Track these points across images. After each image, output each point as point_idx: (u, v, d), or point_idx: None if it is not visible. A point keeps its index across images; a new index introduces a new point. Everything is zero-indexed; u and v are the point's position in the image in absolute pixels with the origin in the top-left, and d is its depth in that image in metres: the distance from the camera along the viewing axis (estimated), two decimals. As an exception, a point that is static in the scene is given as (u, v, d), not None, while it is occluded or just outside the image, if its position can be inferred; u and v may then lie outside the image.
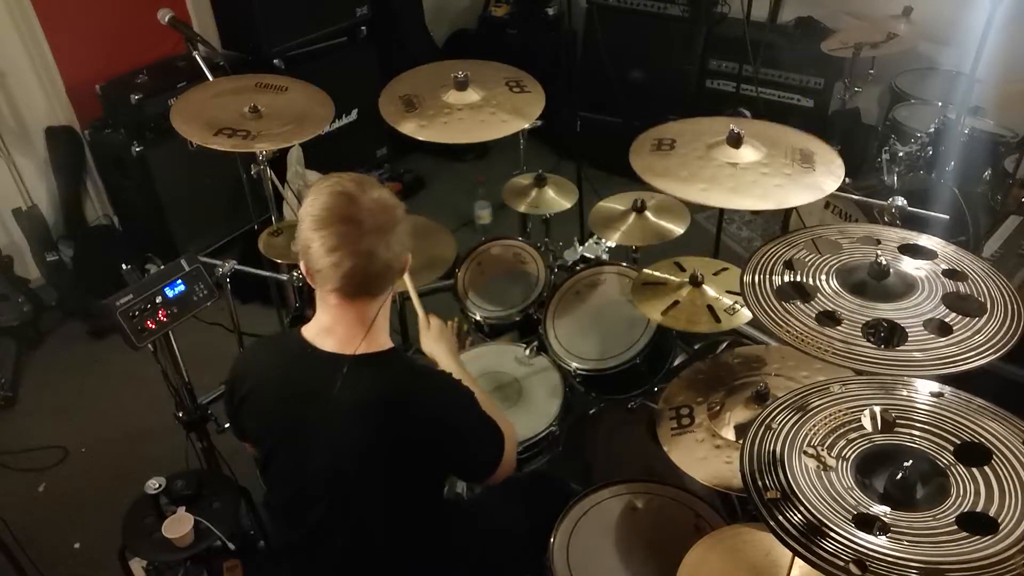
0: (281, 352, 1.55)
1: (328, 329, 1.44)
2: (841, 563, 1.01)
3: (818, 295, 1.48)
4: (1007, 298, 1.41)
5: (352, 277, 1.34)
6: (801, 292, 1.51)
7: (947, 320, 1.38)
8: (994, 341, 1.33)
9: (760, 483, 1.14)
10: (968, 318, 1.38)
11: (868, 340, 1.37)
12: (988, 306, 1.40)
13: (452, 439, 1.48)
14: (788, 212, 2.77)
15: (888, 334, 1.39)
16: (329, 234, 1.31)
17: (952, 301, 1.42)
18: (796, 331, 1.40)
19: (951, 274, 1.48)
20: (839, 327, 1.40)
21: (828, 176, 1.88)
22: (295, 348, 1.46)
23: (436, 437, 1.45)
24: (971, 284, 1.46)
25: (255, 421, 1.55)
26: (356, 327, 1.42)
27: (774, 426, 1.24)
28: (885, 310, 1.42)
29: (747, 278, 1.55)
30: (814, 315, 1.43)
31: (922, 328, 1.37)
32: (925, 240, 1.60)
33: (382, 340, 1.47)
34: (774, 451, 1.20)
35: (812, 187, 1.84)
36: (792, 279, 1.53)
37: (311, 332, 1.46)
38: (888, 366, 1.31)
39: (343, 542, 1.54)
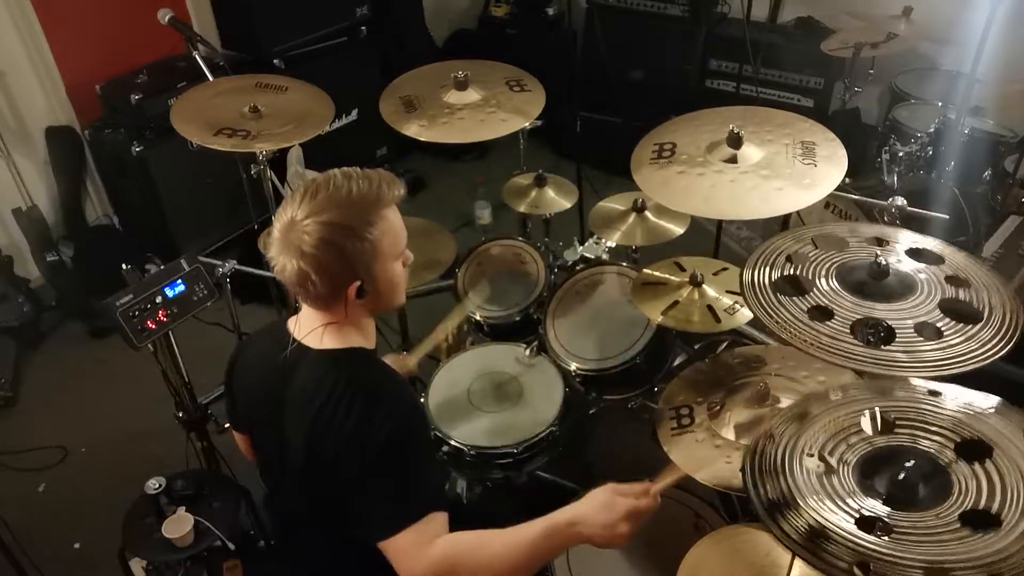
0: (266, 338, 1.55)
1: (303, 319, 1.44)
2: (844, 565, 1.00)
3: (814, 290, 1.49)
4: (1006, 309, 1.41)
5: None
6: (797, 286, 1.51)
7: (939, 325, 1.39)
8: (983, 350, 1.33)
9: (762, 489, 1.14)
10: (961, 325, 1.38)
11: (855, 337, 1.37)
12: (985, 315, 1.40)
13: (343, 462, 1.32)
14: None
15: (876, 333, 1.39)
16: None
17: (948, 306, 1.43)
18: (785, 322, 1.41)
19: (954, 280, 1.48)
20: (829, 322, 1.41)
21: (831, 171, 1.86)
22: (276, 334, 1.48)
23: (343, 449, 1.32)
24: (972, 292, 1.46)
25: (242, 405, 1.57)
26: (314, 323, 1.41)
27: (775, 437, 1.24)
28: (879, 310, 1.43)
29: (747, 273, 1.56)
30: (806, 309, 1.44)
31: (912, 331, 1.38)
32: (933, 244, 1.59)
33: (349, 338, 1.41)
34: (776, 460, 1.19)
35: (814, 186, 1.83)
36: (791, 272, 1.54)
37: (295, 319, 1.47)
38: (871, 364, 1.32)
39: (322, 539, 1.52)
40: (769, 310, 1.46)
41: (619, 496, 1.30)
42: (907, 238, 1.62)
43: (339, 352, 1.40)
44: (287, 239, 1.30)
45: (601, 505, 1.30)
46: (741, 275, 1.56)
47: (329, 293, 1.34)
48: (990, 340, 1.35)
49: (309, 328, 1.41)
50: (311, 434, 1.36)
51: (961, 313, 1.41)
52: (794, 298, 1.48)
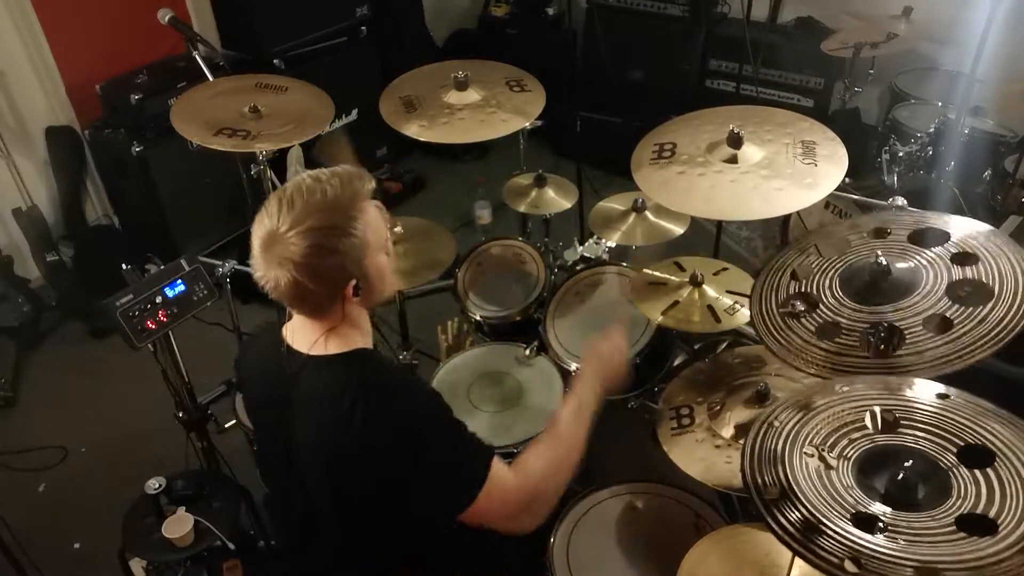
0: (267, 342, 1.53)
1: (298, 328, 1.43)
2: (837, 560, 1.01)
3: (820, 306, 1.48)
4: (1019, 274, 1.37)
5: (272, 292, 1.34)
6: (809, 301, 1.51)
7: (948, 315, 1.36)
8: (997, 330, 1.30)
9: (760, 481, 1.14)
10: (972, 309, 1.35)
11: (865, 348, 1.37)
12: (996, 289, 1.36)
13: (398, 449, 1.32)
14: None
15: (886, 339, 1.38)
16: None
17: (956, 291, 1.40)
18: (796, 346, 1.42)
19: (961, 258, 1.45)
20: (837, 339, 1.40)
21: (832, 170, 1.85)
22: (275, 342, 1.46)
23: (379, 444, 1.32)
24: (981, 266, 1.41)
25: (250, 407, 1.60)
26: (312, 333, 1.39)
27: (776, 424, 1.24)
28: (886, 312, 1.42)
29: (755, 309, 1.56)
30: (814, 329, 1.44)
31: (921, 327, 1.37)
32: (936, 221, 1.56)
33: (352, 340, 1.41)
34: (775, 449, 1.19)
35: (815, 186, 1.83)
36: (797, 290, 1.54)
37: (288, 328, 1.45)
38: (884, 371, 1.32)
39: (326, 543, 1.52)
40: (780, 337, 1.46)
41: (604, 353, 1.65)
42: (911, 219, 1.59)
43: (345, 356, 1.39)
44: (273, 253, 1.28)
45: (599, 364, 1.63)
46: (751, 296, 1.57)
47: (327, 297, 1.34)
48: (1004, 316, 1.31)
49: (305, 336, 1.40)
50: (331, 442, 1.35)
51: (971, 294, 1.37)
52: (802, 319, 1.47)
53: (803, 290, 1.54)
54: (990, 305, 1.35)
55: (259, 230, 1.30)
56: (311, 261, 1.27)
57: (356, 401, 1.32)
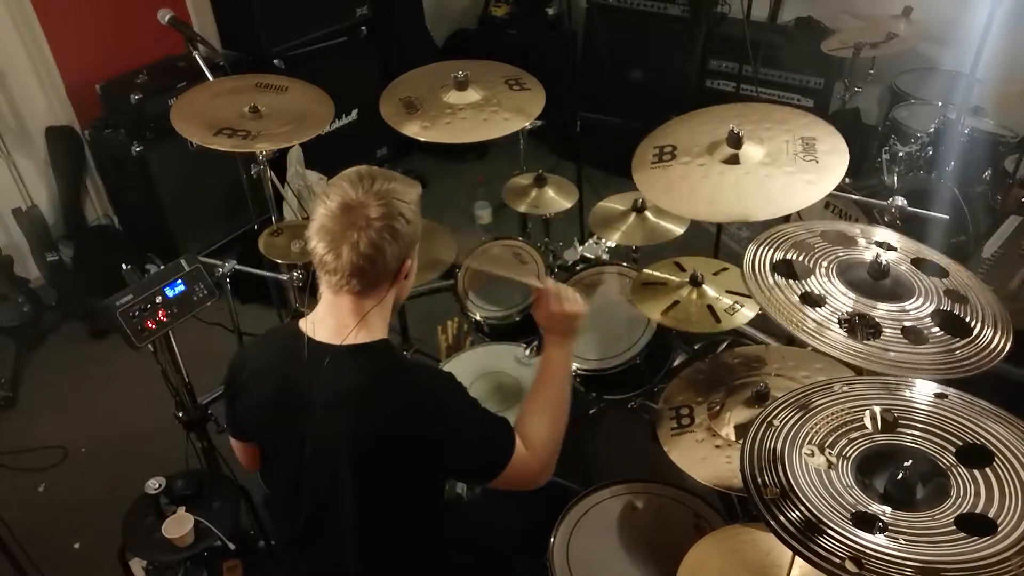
0: (277, 342, 1.55)
1: (321, 319, 1.45)
2: (838, 560, 1.01)
3: (811, 277, 1.52)
4: (998, 330, 1.42)
5: (323, 267, 1.39)
6: (795, 270, 1.55)
7: (926, 332, 1.40)
8: (964, 363, 1.36)
9: (760, 480, 1.14)
10: (948, 336, 1.40)
11: (842, 327, 1.40)
12: (974, 331, 1.41)
13: (436, 431, 1.41)
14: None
15: (863, 326, 1.41)
16: (316, 220, 1.38)
17: (940, 317, 1.44)
18: (780, 303, 1.46)
19: (953, 295, 1.49)
20: (818, 308, 1.45)
21: (833, 165, 1.86)
22: (289, 338, 1.47)
23: (417, 429, 1.40)
24: (968, 308, 1.47)
25: (251, 413, 1.55)
26: (347, 318, 1.42)
27: (776, 424, 1.24)
28: (872, 307, 1.45)
29: (752, 248, 1.60)
30: (799, 293, 1.49)
31: (899, 332, 1.39)
32: (940, 259, 1.61)
33: (375, 332, 1.45)
34: (775, 449, 1.20)
35: (817, 183, 1.83)
36: (794, 257, 1.58)
37: (307, 322, 1.47)
38: (850, 356, 1.36)
39: (333, 539, 1.52)
40: (762, 284, 1.50)
41: (547, 310, 1.67)
42: (914, 246, 1.63)
43: (373, 345, 1.44)
44: (357, 215, 1.34)
45: (560, 327, 1.68)
46: (742, 265, 1.58)
47: (392, 267, 1.40)
48: (973, 354, 1.37)
49: (333, 326, 1.43)
50: (365, 431, 1.39)
51: (952, 326, 1.42)
52: (790, 281, 1.52)
53: (800, 259, 1.57)
54: (966, 341, 1.39)
55: (335, 201, 1.36)
56: (393, 224, 1.36)
57: (390, 388, 1.41)
